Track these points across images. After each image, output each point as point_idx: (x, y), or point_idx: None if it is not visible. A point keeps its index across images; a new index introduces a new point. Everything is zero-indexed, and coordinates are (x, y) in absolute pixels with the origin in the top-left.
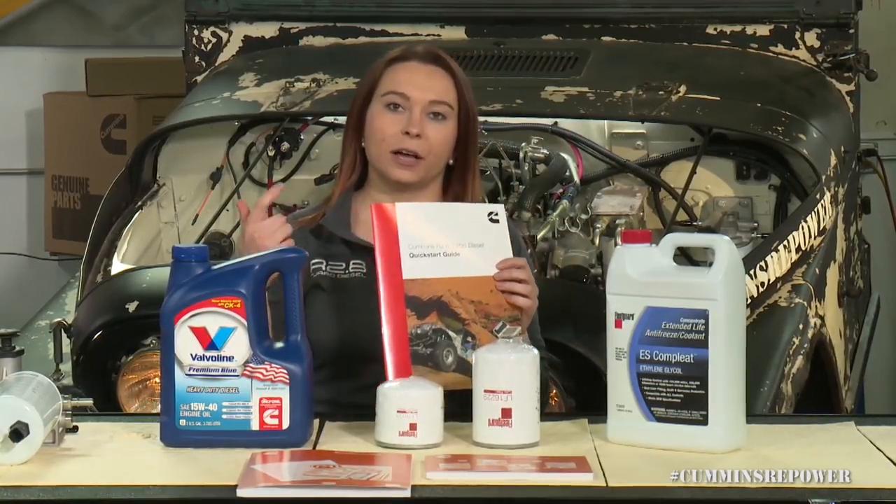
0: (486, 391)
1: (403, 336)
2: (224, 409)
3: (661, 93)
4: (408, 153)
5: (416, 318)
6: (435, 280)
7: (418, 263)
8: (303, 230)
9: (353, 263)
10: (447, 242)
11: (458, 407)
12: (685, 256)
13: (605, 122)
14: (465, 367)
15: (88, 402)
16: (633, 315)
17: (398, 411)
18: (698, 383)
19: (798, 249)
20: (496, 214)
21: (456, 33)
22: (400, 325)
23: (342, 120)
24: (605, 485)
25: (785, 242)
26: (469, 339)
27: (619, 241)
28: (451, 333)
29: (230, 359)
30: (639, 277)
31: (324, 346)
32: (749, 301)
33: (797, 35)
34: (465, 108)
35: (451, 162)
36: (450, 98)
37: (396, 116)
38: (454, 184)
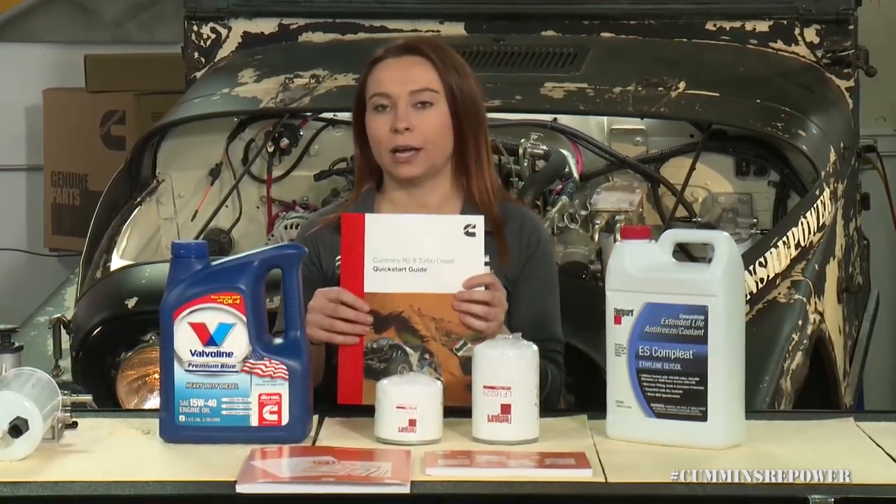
0: (485, 387)
1: (358, 350)
2: (223, 405)
3: (660, 89)
4: (404, 149)
5: (374, 333)
6: (396, 295)
7: (381, 277)
8: (328, 227)
9: None
10: (415, 256)
11: None
12: (684, 253)
13: (605, 118)
14: None
15: (88, 398)
16: (632, 311)
17: (397, 407)
18: (698, 379)
19: (797, 246)
20: (473, 227)
21: (455, 29)
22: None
23: (341, 116)
24: (604, 481)
25: (784, 239)
26: (427, 356)
27: (618, 237)
28: (409, 350)
29: (229, 355)
30: (638, 274)
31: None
32: (748, 297)
33: (797, 31)
34: (450, 90)
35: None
36: (431, 83)
37: (385, 117)
38: (460, 171)
